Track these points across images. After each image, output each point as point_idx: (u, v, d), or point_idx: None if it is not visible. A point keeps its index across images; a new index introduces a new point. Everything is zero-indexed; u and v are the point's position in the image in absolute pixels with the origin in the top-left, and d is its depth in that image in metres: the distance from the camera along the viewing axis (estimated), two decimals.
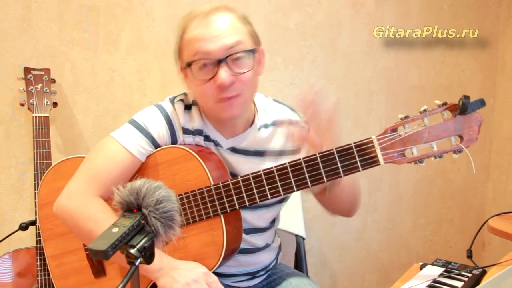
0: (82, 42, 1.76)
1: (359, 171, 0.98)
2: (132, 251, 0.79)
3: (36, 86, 1.62)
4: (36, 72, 1.63)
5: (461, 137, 0.94)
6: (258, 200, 1.06)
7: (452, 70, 1.99)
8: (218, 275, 1.12)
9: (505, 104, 1.97)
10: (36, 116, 1.60)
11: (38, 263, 1.56)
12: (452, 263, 1.12)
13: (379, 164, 0.97)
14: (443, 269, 1.09)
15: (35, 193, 1.51)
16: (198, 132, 1.16)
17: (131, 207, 0.87)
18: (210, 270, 1.07)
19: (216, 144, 1.18)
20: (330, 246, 2.05)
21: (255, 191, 1.05)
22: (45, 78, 1.64)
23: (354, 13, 1.91)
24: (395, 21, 1.92)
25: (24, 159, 1.77)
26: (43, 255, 1.34)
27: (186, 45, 1.10)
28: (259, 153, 1.20)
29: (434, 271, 1.08)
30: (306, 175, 1.01)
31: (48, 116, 1.61)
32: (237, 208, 1.08)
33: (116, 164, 1.11)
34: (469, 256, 1.27)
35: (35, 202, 1.37)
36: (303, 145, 1.03)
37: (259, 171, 1.05)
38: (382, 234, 2.07)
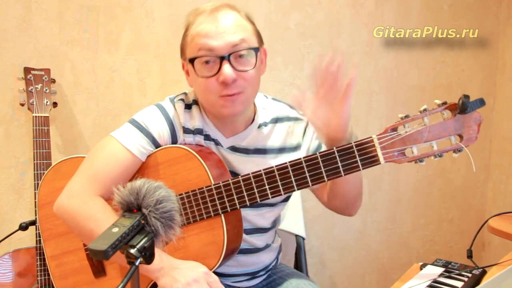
0: (82, 42, 1.76)
1: (359, 170, 0.99)
2: (132, 251, 0.79)
3: (36, 86, 1.62)
4: (36, 72, 1.63)
5: (461, 136, 0.94)
6: (258, 200, 1.06)
7: (452, 70, 1.99)
8: (218, 275, 1.11)
9: (505, 104, 1.97)
10: (36, 116, 1.60)
11: (38, 263, 1.56)
12: (452, 263, 1.12)
13: (380, 163, 0.97)
14: (443, 269, 1.09)
15: (35, 193, 1.51)
16: (198, 131, 1.16)
17: (131, 207, 0.88)
18: (210, 270, 1.07)
19: (217, 143, 1.18)
20: (330, 246, 2.05)
21: (255, 190, 1.05)
22: (45, 78, 1.64)
23: (354, 13, 1.91)
24: (395, 21, 1.92)
25: (24, 159, 1.76)
26: (43, 255, 1.34)
27: (190, 41, 1.10)
28: (259, 151, 1.20)
29: (434, 271, 1.08)
30: (307, 174, 1.01)
31: (48, 116, 1.61)
32: (238, 208, 1.08)
33: (116, 163, 1.11)
34: (469, 256, 1.27)
35: (35, 202, 1.37)
36: (309, 116, 1.03)
37: (260, 171, 1.05)
38: (382, 234, 2.07)
